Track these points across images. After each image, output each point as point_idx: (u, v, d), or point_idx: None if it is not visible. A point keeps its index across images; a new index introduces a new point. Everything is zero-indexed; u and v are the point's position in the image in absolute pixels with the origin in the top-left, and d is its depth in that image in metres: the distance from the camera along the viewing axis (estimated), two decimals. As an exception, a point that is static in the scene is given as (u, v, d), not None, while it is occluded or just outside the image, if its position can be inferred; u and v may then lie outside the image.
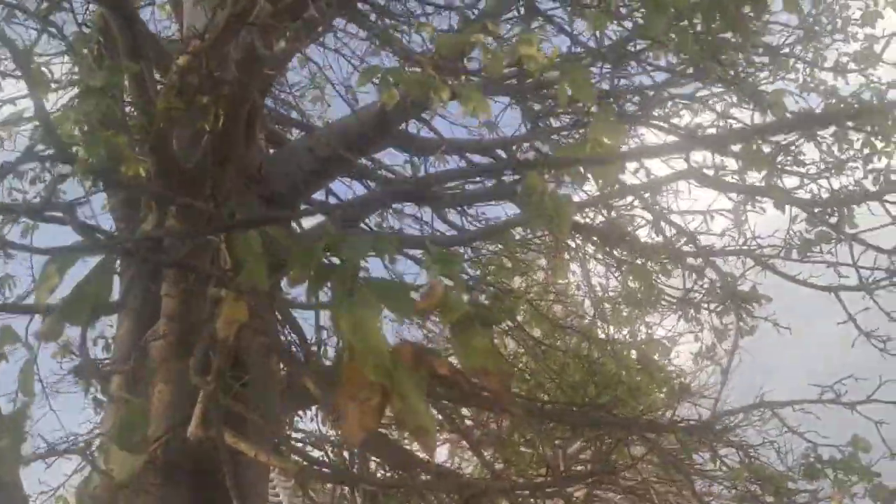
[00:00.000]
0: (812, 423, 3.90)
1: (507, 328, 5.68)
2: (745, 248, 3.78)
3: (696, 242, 3.93)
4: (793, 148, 4.10)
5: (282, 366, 3.23)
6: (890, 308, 3.43)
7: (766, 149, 4.15)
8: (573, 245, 4.97)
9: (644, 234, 4.06)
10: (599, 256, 4.71)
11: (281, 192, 3.99)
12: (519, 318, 5.55)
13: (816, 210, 3.48)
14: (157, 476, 2.82)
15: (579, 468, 4.23)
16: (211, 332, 2.11)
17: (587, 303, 5.50)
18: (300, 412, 4.88)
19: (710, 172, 3.39)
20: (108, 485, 2.92)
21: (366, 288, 0.88)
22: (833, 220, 3.45)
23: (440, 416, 5.31)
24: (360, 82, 2.08)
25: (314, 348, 4.07)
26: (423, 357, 0.88)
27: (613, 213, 4.23)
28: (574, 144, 1.49)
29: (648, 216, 3.92)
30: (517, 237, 5.21)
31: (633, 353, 4.80)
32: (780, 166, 3.87)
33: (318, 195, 4.63)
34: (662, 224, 3.87)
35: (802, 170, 4.09)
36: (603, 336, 5.06)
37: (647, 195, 3.75)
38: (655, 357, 4.71)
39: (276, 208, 3.88)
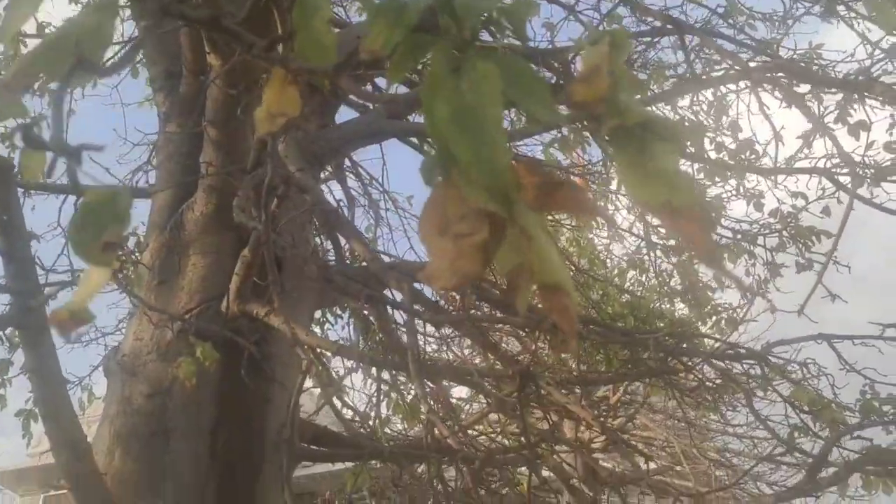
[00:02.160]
0: (871, 360, 3.70)
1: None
2: (817, 167, 3.51)
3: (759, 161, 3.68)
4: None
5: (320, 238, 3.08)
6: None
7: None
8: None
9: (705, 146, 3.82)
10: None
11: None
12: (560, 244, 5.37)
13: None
14: (189, 348, 2.71)
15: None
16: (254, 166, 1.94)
17: (634, 231, 5.27)
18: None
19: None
20: (137, 352, 2.83)
21: (481, 62, 0.54)
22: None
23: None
24: None
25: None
26: (557, 187, 0.54)
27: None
28: None
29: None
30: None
31: (680, 284, 4.61)
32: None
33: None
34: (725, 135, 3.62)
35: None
36: (649, 263, 4.86)
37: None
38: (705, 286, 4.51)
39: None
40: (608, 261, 5.79)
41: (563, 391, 2.40)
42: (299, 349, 1.88)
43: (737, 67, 2.37)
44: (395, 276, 2.05)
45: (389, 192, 4.85)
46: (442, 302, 3.18)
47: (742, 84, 3.36)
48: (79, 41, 0.57)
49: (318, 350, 2.66)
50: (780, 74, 2.54)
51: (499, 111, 0.51)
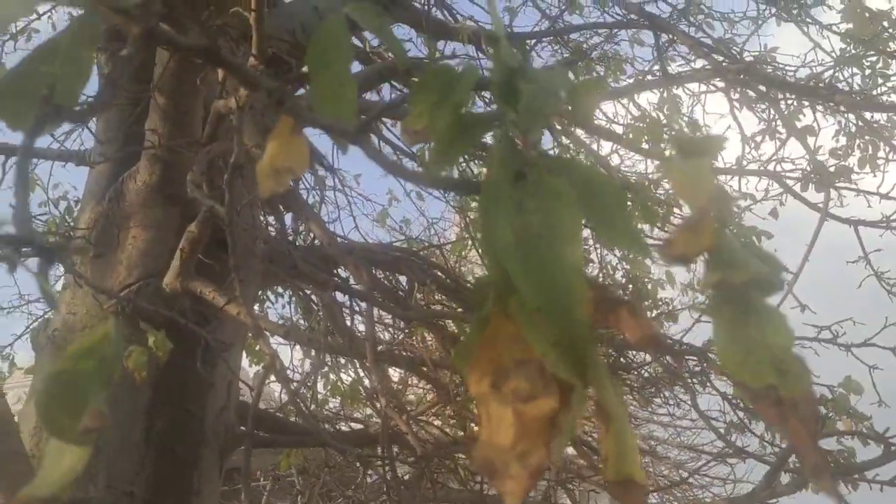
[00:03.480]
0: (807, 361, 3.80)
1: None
2: (767, 170, 3.57)
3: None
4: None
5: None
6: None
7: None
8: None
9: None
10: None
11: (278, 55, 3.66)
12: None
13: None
14: (125, 326, 2.57)
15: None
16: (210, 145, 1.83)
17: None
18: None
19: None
20: (70, 327, 2.67)
21: (551, 176, 0.44)
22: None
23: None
24: None
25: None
26: (615, 305, 0.44)
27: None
28: None
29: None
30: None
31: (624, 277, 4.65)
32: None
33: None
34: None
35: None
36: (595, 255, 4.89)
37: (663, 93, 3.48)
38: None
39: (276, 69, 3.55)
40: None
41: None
42: (263, 344, 1.79)
43: (708, 66, 2.37)
44: (354, 262, 1.98)
45: (337, 170, 4.71)
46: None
47: (705, 85, 3.38)
48: (54, 84, 0.46)
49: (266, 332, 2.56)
50: (743, 77, 2.56)
51: (578, 249, 0.42)
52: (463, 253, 6.00)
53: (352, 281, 2.52)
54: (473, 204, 5.33)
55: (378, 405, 2.06)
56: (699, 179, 0.45)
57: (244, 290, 2.89)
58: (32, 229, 0.39)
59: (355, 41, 4.15)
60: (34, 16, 3.99)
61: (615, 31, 3.85)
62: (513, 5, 4.41)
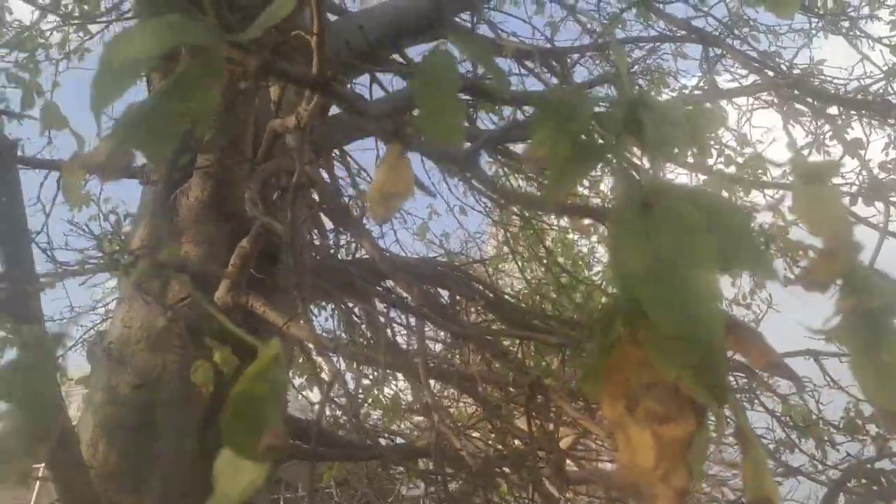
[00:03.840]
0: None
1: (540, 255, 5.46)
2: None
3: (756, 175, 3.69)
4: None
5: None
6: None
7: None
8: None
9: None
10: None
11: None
12: (548, 243, 5.35)
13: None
14: (180, 338, 2.62)
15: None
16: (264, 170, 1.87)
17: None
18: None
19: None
20: (125, 340, 2.73)
21: (677, 203, 0.44)
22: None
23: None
24: None
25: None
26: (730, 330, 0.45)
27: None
28: None
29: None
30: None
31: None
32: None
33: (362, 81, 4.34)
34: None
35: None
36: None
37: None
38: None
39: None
40: (595, 263, 5.79)
41: (572, 405, 2.38)
42: (326, 361, 1.82)
43: (758, 80, 2.36)
44: (405, 278, 1.99)
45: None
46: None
47: (754, 99, 3.36)
48: (196, 119, 0.48)
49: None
50: (796, 92, 2.54)
51: (713, 275, 0.41)
52: (501, 267, 6.01)
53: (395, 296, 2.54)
54: (515, 218, 5.34)
55: (427, 419, 2.08)
56: (829, 207, 0.46)
57: (294, 305, 2.93)
58: (182, 257, 0.41)
59: (397, 57, 4.20)
60: (88, 35, 4.10)
61: (658, 44, 3.85)
62: (554, 20, 4.43)
